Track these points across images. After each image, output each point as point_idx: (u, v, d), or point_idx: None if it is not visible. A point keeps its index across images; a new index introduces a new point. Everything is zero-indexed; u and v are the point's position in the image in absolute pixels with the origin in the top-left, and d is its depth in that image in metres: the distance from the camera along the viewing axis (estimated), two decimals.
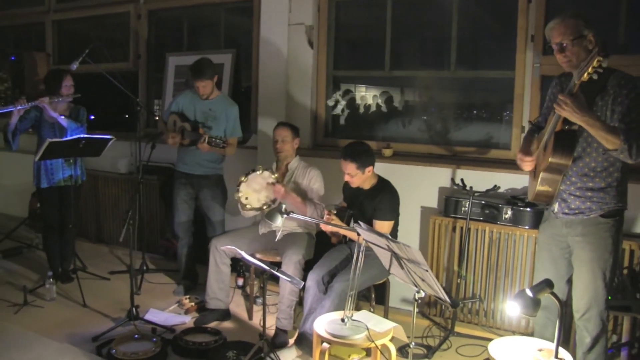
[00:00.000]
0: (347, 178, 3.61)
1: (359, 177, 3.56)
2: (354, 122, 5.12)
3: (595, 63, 2.32)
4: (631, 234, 3.61)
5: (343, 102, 5.10)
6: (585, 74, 2.37)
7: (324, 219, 3.47)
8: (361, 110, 5.11)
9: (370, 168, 3.57)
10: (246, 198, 3.93)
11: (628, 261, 3.47)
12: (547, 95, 2.97)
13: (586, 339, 2.78)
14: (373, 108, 5.08)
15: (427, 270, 2.45)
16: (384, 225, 3.54)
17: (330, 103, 5.00)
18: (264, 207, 3.86)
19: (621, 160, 2.59)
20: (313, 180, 4.02)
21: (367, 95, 5.13)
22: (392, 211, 3.59)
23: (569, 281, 2.88)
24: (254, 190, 3.92)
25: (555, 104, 2.50)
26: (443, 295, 2.56)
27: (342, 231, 3.55)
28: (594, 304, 2.72)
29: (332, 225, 3.44)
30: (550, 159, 2.62)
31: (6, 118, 4.29)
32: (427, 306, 4.24)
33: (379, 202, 3.56)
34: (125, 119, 5.71)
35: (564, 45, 2.61)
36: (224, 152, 4.30)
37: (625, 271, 3.44)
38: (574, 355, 2.83)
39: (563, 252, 2.86)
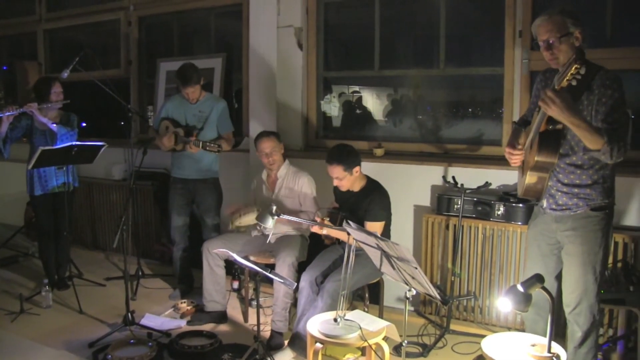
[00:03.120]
0: (336, 182, 3.60)
1: (347, 180, 3.57)
2: (345, 122, 5.13)
3: (573, 70, 2.34)
4: (624, 226, 3.61)
5: (337, 105, 5.11)
6: (564, 81, 2.38)
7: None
8: (352, 110, 5.11)
9: (357, 168, 3.56)
10: (239, 222, 4.00)
11: (622, 254, 3.47)
12: (533, 91, 2.98)
13: (577, 333, 2.77)
14: (364, 108, 5.09)
15: (416, 268, 2.45)
16: (375, 226, 3.53)
17: (325, 105, 5.01)
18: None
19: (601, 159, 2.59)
20: (305, 187, 4.04)
21: (358, 96, 5.13)
22: (382, 211, 3.59)
23: (558, 277, 2.88)
24: (246, 220, 3.98)
25: (540, 101, 2.47)
26: (433, 292, 2.57)
27: (333, 233, 3.54)
28: (584, 297, 2.72)
29: (322, 227, 3.45)
30: (536, 158, 2.62)
31: None
32: (423, 305, 4.24)
33: (369, 203, 3.56)
34: (118, 125, 5.73)
35: (551, 42, 2.60)
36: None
37: (619, 264, 3.44)
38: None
39: (552, 247, 2.86)
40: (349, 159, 3.52)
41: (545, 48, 2.64)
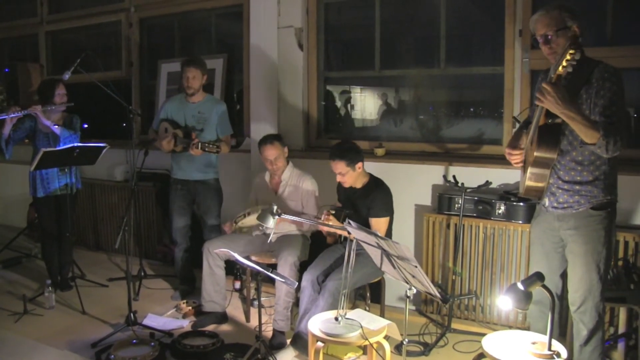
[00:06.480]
0: (339, 178, 3.64)
1: (350, 175, 3.59)
2: (346, 122, 5.14)
3: (568, 56, 2.34)
4: (626, 225, 3.60)
5: (338, 104, 5.12)
6: (560, 67, 2.38)
7: (322, 219, 3.49)
8: (353, 110, 5.12)
9: (359, 164, 3.59)
10: (242, 223, 4.05)
11: (623, 252, 3.47)
12: (535, 91, 2.98)
13: (583, 331, 2.76)
14: (365, 108, 5.09)
15: (416, 267, 2.46)
16: (379, 222, 3.56)
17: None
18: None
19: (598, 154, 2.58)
20: (308, 188, 4.07)
21: (359, 96, 5.14)
22: (386, 207, 3.61)
23: (563, 275, 2.87)
24: (249, 220, 4.01)
25: (537, 93, 2.49)
26: (433, 291, 2.58)
27: (337, 230, 3.56)
28: (589, 296, 2.71)
29: (324, 225, 3.46)
30: (535, 153, 2.61)
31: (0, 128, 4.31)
32: (424, 303, 4.24)
33: (372, 199, 3.58)
34: (120, 127, 5.75)
35: (549, 37, 2.61)
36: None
37: (620, 262, 3.44)
38: (570, 348, 2.84)
39: (555, 246, 2.85)
40: (351, 154, 3.56)
41: (544, 43, 2.65)
